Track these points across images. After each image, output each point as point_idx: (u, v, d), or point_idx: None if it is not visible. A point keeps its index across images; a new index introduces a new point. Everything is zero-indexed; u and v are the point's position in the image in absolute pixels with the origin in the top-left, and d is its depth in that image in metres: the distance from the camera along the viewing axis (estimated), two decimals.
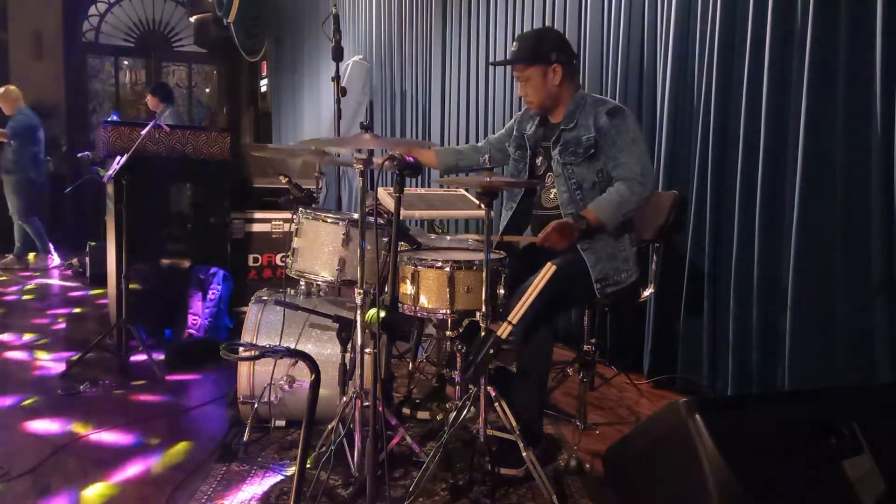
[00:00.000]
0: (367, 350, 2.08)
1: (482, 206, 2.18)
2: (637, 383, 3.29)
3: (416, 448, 2.25)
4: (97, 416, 2.80)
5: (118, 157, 3.36)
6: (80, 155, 6.54)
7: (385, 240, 2.47)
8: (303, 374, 2.49)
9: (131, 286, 3.49)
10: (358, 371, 2.08)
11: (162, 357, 3.48)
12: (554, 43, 2.54)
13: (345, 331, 2.22)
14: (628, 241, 2.53)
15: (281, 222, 4.28)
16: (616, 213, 2.40)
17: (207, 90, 11.41)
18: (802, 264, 2.60)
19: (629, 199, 2.39)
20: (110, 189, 3.75)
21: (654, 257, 2.81)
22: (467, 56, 5.06)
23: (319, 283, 2.58)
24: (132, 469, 2.33)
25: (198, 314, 3.72)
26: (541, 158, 2.66)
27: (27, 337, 4.15)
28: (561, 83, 2.53)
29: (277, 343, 2.54)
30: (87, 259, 5.99)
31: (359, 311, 2.06)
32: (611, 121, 2.45)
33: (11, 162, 6.52)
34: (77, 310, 4.96)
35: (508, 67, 4.54)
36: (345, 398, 2.20)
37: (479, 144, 2.92)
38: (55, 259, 6.89)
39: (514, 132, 2.76)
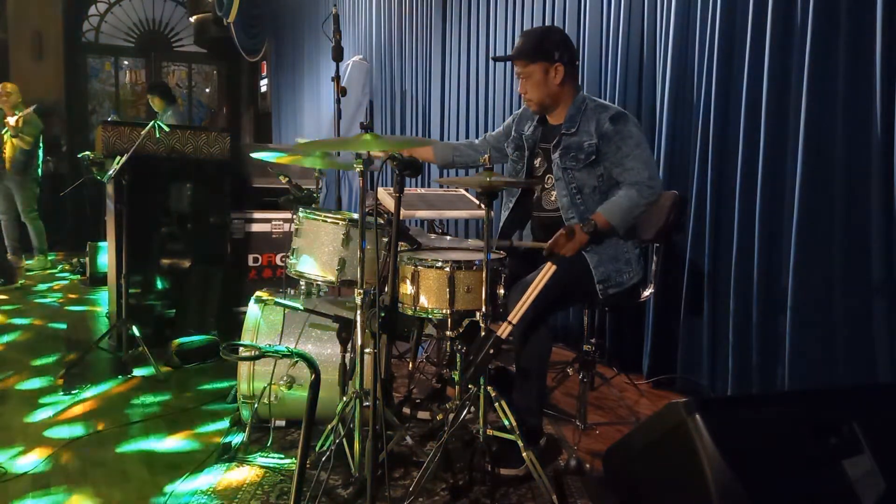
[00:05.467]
0: (367, 350, 2.08)
1: (482, 206, 2.18)
2: (637, 383, 3.28)
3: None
4: (97, 416, 2.80)
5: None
6: (80, 155, 6.54)
7: (385, 240, 2.47)
8: (303, 374, 2.49)
9: (131, 286, 3.49)
10: (358, 371, 2.08)
11: (162, 357, 3.48)
12: (559, 42, 2.54)
13: (345, 331, 2.22)
14: (631, 243, 2.53)
15: (281, 222, 4.28)
16: (626, 216, 2.40)
17: (207, 90, 11.40)
18: (802, 264, 2.60)
19: (639, 203, 2.39)
20: (110, 189, 3.75)
21: (655, 257, 2.81)
22: (467, 56, 5.06)
23: (319, 283, 2.58)
24: (132, 469, 2.33)
25: None
26: (539, 160, 2.66)
27: (28, 337, 4.16)
28: (562, 83, 2.52)
29: (277, 343, 2.54)
30: (87, 259, 6.00)
31: (359, 311, 2.06)
32: (614, 126, 2.45)
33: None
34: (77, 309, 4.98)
35: (509, 67, 4.55)
36: (345, 398, 2.20)
37: (476, 142, 2.91)
38: None
39: (513, 132, 2.75)
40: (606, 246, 2.46)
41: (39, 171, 6.70)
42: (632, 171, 2.42)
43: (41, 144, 6.74)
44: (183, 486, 2.19)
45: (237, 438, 2.52)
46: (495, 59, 2.80)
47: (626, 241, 2.51)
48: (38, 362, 3.60)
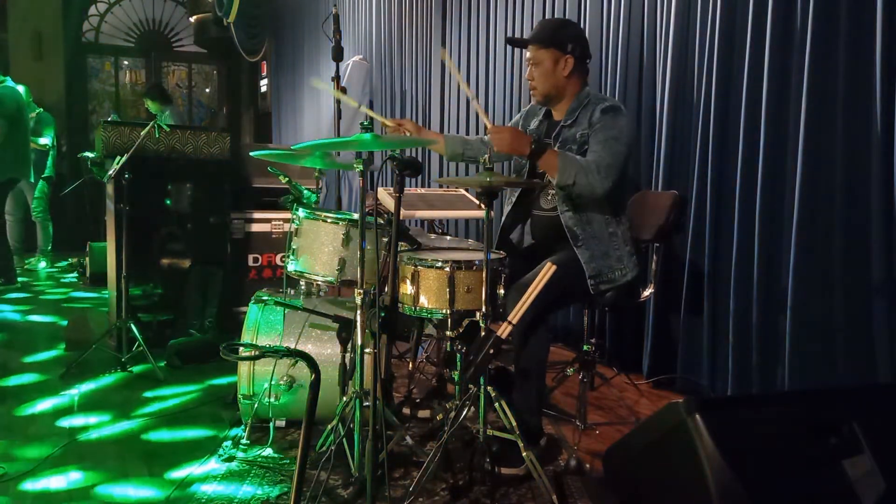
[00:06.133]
0: (367, 350, 2.08)
1: (482, 205, 2.18)
2: (637, 383, 3.28)
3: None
4: (97, 417, 2.80)
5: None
6: (80, 155, 6.54)
7: (385, 240, 2.47)
8: (303, 374, 2.49)
9: (131, 286, 3.49)
10: (358, 371, 2.08)
11: (162, 356, 3.48)
12: (574, 35, 2.56)
13: (345, 331, 2.22)
14: (620, 239, 2.52)
15: (281, 222, 4.28)
16: (570, 170, 2.35)
17: (207, 90, 11.40)
18: (802, 264, 2.60)
19: (587, 171, 2.35)
20: (110, 189, 3.75)
21: (654, 257, 2.81)
22: (467, 55, 5.07)
23: (319, 283, 2.58)
24: (132, 469, 2.33)
25: None
26: None
27: (27, 336, 4.16)
28: (569, 76, 2.54)
29: (277, 343, 2.55)
30: (87, 259, 5.99)
31: (359, 311, 2.06)
32: (602, 116, 2.46)
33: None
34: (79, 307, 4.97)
35: (509, 67, 4.55)
36: (345, 398, 2.20)
37: (486, 138, 2.91)
38: None
39: (520, 128, 2.76)
40: (597, 243, 2.47)
41: (51, 170, 6.70)
42: (595, 154, 2.41)
43: (54, 144, 6.73)
44: (183, 486, 2.19)
45: (237, 438, 2.52)
46: (509, 42, 2.88)
47: (615, 237, 2.50)
48: (38, 361, 3.60)
